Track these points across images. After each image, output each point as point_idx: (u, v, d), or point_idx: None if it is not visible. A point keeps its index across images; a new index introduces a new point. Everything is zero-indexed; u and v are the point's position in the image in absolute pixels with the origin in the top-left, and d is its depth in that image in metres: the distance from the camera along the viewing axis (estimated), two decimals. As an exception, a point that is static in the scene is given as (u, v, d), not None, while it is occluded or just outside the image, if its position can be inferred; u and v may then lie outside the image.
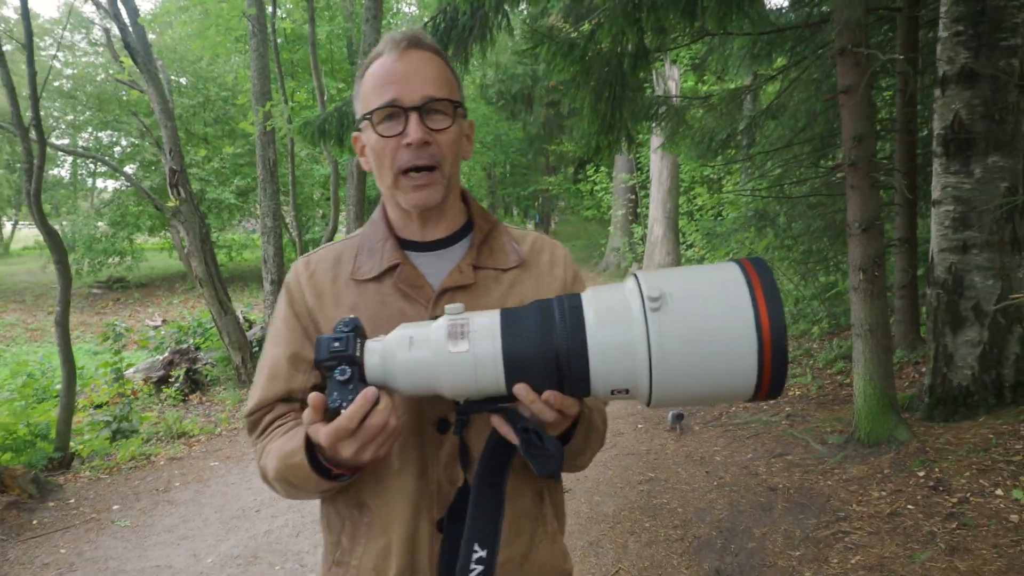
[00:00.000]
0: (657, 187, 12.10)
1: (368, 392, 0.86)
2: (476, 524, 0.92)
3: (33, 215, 5.23)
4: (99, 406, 7.15)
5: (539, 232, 1.22)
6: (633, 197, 15.88)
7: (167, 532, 4.01)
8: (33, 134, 5.31)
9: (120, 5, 7.87)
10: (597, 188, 17.54)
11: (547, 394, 0.85)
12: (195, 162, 16.49)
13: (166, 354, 8.94)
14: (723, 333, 0.77)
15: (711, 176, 12.81)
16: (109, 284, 17.61)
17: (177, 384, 8.15)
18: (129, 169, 18.02)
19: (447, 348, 0.85)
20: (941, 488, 3.25)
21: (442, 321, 0.88)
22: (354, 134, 1.13)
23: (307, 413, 0.89)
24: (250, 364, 8.43)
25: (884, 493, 3.36)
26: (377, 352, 0.89)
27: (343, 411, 0.86)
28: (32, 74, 5.19)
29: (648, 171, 13.05)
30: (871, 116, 3.90)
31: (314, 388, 1.04)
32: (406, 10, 22.68)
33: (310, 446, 0.96)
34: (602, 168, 16.86)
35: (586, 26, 5.10)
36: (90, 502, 4.47)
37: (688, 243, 13.30)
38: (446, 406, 1.02)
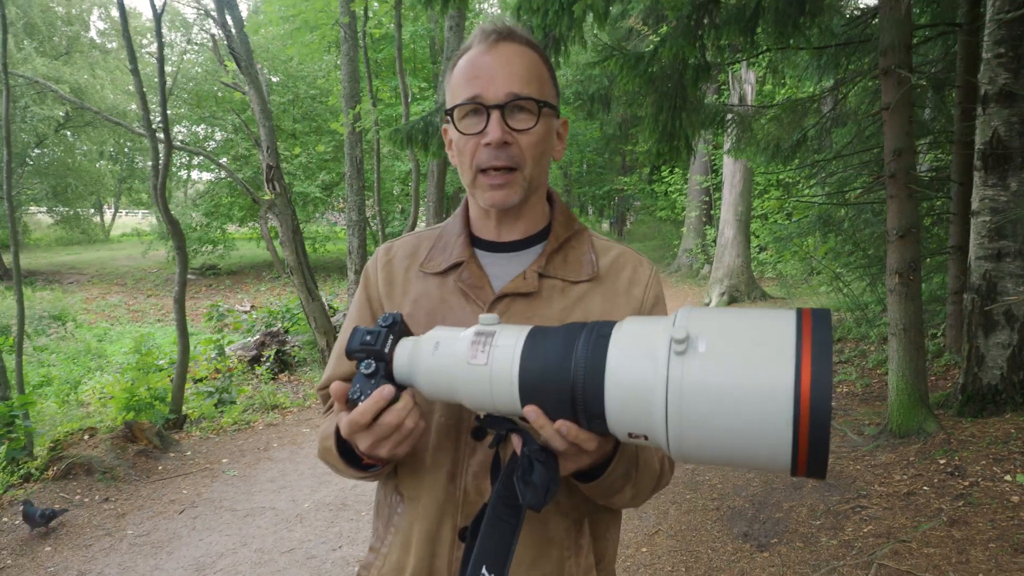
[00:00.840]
0: (729, 189, 12.40)
1: (384, 390, 0.87)
2: (486, 545, 0.88)
3: (158, 206, 6.12)
4: (199, 380, 8.09)
5: (629, 247, 1.19)
6: (707, 199, 16.15)
7: (269, 482, 4.76)
8: (160, 135, 6.20)
9: (227, 15, 8.79)
10: (672, 189, 17.86)
11: (559, 423, 0.82)
12: (284, 157, 17.70)
13: (258, 336, 9.91)
14: (753, 391, 0.69)
15: (787, 180, 13.01)
16: (202, 271, 19.09)
17: (268, 363, 9.07)
18: (222, 162, 19.46)
19: (466, 359, 0.85)
20: (957, 473, 3.64)
21: (470, 331, 0.88)
22: (444, 126, 1.12)
23: (335, 401, 0.94)
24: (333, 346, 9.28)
25: (905, 476, 3.77)
26: (407, 352, 0.90)
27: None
28: (162, 83, 6.07)
29: (722, 173, 13.35)
30: (911, 131, 4.26)
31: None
32: (488, 10, 23.48)
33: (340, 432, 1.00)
34: (677, 169, 17.16)
35: (664, 28, 5.56)
36: (203, 455, 5.29)
37: (761, 246, 13.55)
38: None
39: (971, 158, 5.51)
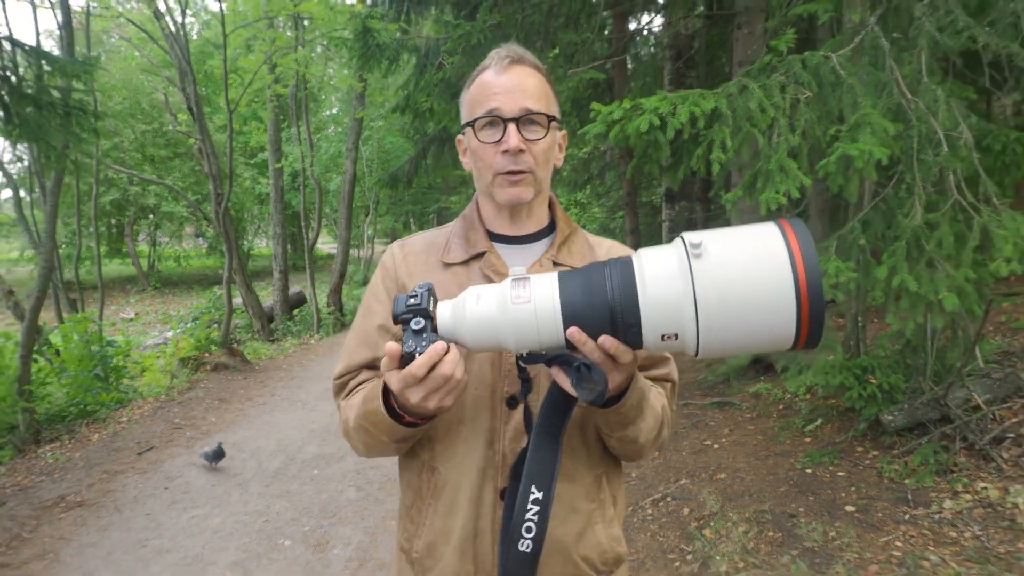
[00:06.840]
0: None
1: (438, 343, 1.02)
2: (533, 467, 1.07)
3: (221, 227, 10.17)
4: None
5: (616, 241, 1.43)
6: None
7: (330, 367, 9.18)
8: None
9: (188, 88, 12.74)
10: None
11: (602, 338, 0.98)
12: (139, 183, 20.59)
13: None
14: (762, 280, 0.87)
15: (582, 201, 18.98)
16: (68, 286, 21.51)
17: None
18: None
19: (510, 301, 1.00)
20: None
21: (506, 280, 1.04)
22: (458, 137, 1.36)
23: (385, 361, 1.06)
24: (267, 327, 13.49)
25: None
26: (448, 309, 1.06)
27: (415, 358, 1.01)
28: (230, 138, 10.18)
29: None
30: (635, 183, 9.73)
31: None
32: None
33: (387, 393, 1.16)
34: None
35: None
36: (270, 364, 9.54)
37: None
38: (516, 385, 1.19)
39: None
